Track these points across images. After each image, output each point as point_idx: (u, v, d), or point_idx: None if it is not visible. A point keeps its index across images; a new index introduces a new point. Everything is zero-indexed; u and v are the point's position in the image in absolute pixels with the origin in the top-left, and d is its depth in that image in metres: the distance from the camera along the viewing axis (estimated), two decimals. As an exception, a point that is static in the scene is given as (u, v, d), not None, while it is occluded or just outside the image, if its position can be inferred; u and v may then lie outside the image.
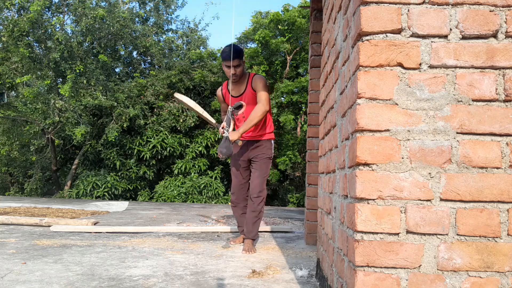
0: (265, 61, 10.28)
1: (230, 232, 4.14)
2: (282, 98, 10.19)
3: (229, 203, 9.45)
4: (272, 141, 3.35)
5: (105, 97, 10.11)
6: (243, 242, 3.33)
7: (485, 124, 1.22)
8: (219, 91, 3.43)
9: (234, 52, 3.09)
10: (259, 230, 3.86)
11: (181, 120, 10.33)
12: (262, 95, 3.12)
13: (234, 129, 3.19)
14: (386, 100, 1.23)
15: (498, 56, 1.22)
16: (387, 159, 1.22)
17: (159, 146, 10.18)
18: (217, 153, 3.25)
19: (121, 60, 11.95)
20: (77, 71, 9.86)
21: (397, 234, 1.20)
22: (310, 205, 3.51)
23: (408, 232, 1.20)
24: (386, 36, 1.24)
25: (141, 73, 12.27)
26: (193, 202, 9.58)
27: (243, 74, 3.23)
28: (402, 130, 1.22)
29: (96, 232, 3.93)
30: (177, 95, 3.33)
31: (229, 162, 10.31)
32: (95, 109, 10.42)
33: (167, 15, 12.93)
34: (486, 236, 1.20)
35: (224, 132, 3.10)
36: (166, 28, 13.09)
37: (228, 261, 2.74)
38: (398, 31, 1.24)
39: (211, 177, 10.09)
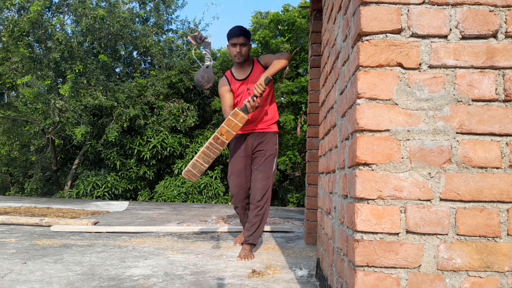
0: (265, 61, 10.27)
1: (230, 232, 4.15)
2: (282, 98, 10.20)
3: (229, 203, 9.50)
4: (277, 135, 3.13)
5: (105, 97, 10.12)
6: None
7: (485, 124, 1.22)
8: (222, 80, 3.20)
9: (241, 30, 3.00)
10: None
11: (181, 120, 10.34)
12: (277, 54, 2.97)
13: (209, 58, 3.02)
14: (386, 100, 1.23)
15: (498, 56, 1.23)
16: (387, 159, 1.22)
17: (159, 146, 10.18)
18: (198, 84, 2.97)
19: (121, 60, 11.95)
20: (77, 71, 9.86)
21: (397, 234, 1.21)
22: (310, 205, 3.51)
23: (408, 232, 1.20)
24: (386, 36, 1.24)
25: (141, 73, 12.27)
26: (193, 202, 9.58)
27: (248, 58, 3.09)
28: (402, 130, 1.22)
29: (96, 232, 3.93)
30: (184, 174, 3.07)
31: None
32: (95, 109, 10.43)
33: (167, 15, 12.93)
34: (486, 236, 1.20)
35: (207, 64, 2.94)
36: (166, 28, 13.09)
37: (228, 261, 2.74)
38: (398, 31, 1.24)
39: (211, 177, 10.09)
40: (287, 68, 10.34)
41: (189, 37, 3.02)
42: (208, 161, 3.01)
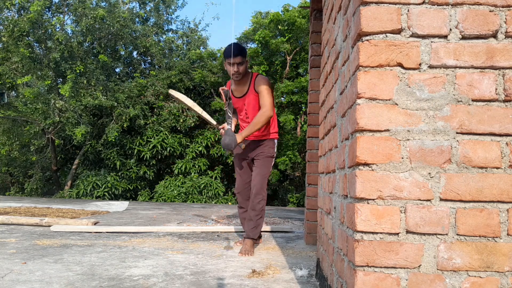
0: (265, 61, 10.29)
1: (230, 232, 4.15)
2: (282, 98, 10.19)
3: (229, 203, 9.50)
4: (275, 140, 3.26)
5: (105, 97, 10.12)
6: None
7: (484, 124, 1.22)
8: (223, 88, 3.31)
9: (236, 49, 3.05)
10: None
11: (181, 120, 10.34)
12: (266, 100, 3.05)
13: (233, 125, 3.19)
14: (386, 100, 1.23)
15: (498, 56, 1.23)
16: (387, 159, 1.22)
17: (159, 146, 10.18)
18: (223, 150, 3.14)
19: (121, 60, 11.95)
20: (77, 71, 9.86)
21: (397, 234, 1.21)
22: (310, 205, 3.51)
23: (408, 232, 1.20)
24: (386, 36, 1.24)
25: (141, 73, 12.27)
26: (193, 202, 9.58)
27: (245, 74, 3.17)
28: (402, 130, 1.22)
29: (96, 232, 3.93)
30: (172, 91, 3.26)
31: (229, 162, 10.32)
32: (95, 109, 10.43)
33: (167, 15, 12.93)
34: (486, 236, 1.20)
35: (225, 126, 3.07)
36: (166, 28, 13.09)
37: (228, 261, 2.75)
38: (398, 31, 1.24)
39: (211, 177, 10.09)
40: (287, 68, 10.35)
41: (221, 90, 3.12)
42: (190, 109, 3.30)
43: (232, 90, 3.26)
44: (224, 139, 2.96)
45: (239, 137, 3.01)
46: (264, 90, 3.06)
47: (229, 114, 3.08)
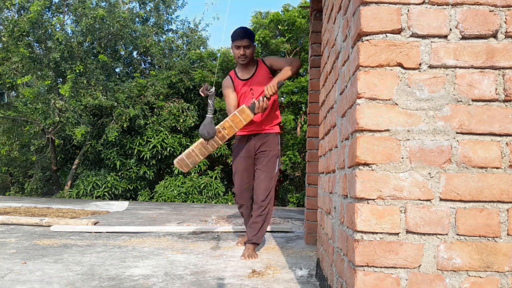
0: (265, 61, 10.28)
1: (230, 232, 4.15)
2: (282, 98, 10.20)
3: (229, 203, 9.50)
4: (279, 136, 3.14)
5: (105, 97, 10.12)
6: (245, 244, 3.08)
7: (484, 124, 1.22)
8: (226, 79, 3.18)
9: (244, 32, 2.99)
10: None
11: (181, 120, 10.34)
12: (287, 59, 2.99)
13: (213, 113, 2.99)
14: (386, 100, 1.23)
15: (498, 56, 1.23)
16: (387, 159, 1.22)
17: (159, 146, 10.18)
18: (203, 137, 2.95)
19: (121, 60, 11.95)
20: (77, 71, 9.86)
21: (397, 234, 1.21)
22: (310, 205, 3.51)
23: (407, 232, 1.21)
24: (386, 36, 1.24)
25: (141, 73, 12.27)
26: (193, 202, 9.58)
27: (252, 60, 3.08)
28: (402, 130, 1.22)
29: (96, 232, 3.93)
30: (176, 162, 3.01)
31: (229, 162, 10.31)
32: (95, 109, 10.43)
33: (167, 15, 12.93)
34: (486, 236, 1.20)
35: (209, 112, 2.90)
36: (166, 28, 13.09)
37: (228, 261, 2.75)
38: (398, 31, 1.24)
39: (211, 177, 10.09)
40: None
41: (200, 91, 3.00)
42: (203, 154, 2.95)
43: (237, 76, 3.13)
44: (205, 129, 2.84)
45: (275, 80, 2.87)
46: (279, 58, 3.04)
47: (210, 104, 2.91)
